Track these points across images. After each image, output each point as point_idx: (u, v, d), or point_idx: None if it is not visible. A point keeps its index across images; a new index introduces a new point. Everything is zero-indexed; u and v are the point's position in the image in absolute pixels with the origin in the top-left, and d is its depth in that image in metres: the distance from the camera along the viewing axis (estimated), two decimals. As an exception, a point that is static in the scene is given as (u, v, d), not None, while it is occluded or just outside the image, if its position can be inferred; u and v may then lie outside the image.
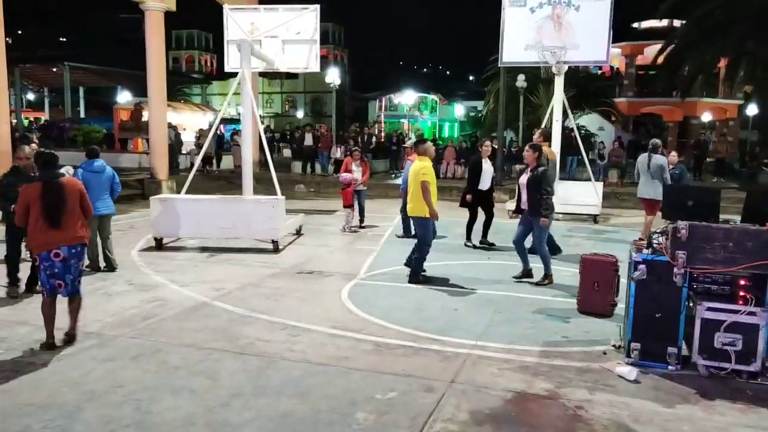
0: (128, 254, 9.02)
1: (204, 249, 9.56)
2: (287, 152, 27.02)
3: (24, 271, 6.92)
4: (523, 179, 7.70)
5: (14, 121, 24.79)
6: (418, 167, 7.48)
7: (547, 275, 7.61)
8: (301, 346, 5.38)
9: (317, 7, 10.62)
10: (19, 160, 6.81)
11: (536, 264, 7.71)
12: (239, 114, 26.43)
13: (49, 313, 5.26)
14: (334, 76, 28.36)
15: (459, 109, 44.57)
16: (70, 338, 5.37)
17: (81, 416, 4.02)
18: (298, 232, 11.00)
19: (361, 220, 11.95)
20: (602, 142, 23.40)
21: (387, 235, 11.16)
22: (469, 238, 10.08)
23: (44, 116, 37.11)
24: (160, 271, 8.14)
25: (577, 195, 13.72)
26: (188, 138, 24.00)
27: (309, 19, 10.70)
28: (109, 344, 5.36)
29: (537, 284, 7.56)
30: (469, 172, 10.35)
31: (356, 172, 11.52)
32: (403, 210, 10.88)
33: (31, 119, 36.28)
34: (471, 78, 52.11)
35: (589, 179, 14.87)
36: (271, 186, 10.35)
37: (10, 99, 13.98)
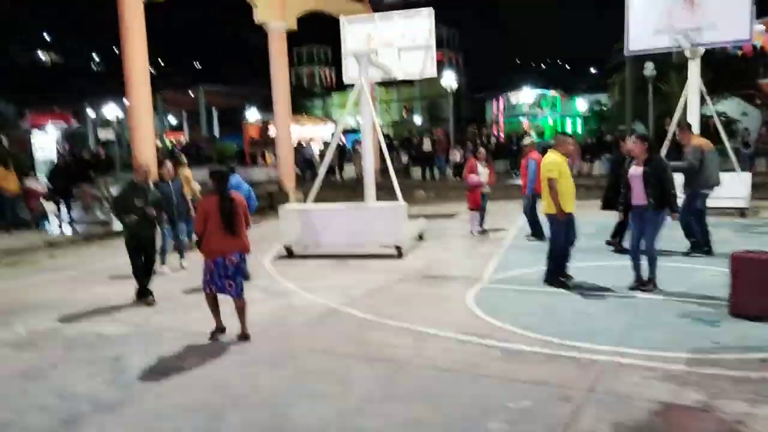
0: (261, 263, 9.48)
1: (331, 256, 9.83)
2: (405, 158, 27.32)
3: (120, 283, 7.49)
4: (634, 172, 6.95)
5: (158, 142, 27.05)
6: (546, 162, 7.16)
7: (651, 280, 6.90)
8: (429, 352, 5.34)
9: (431, 10, 10.58)
10: (162, 175, 8.06)
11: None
12: (359, 124, 27.12)
13: (213, 305, 5.93)
14: (449, 80, 28.25)
15: (581, 104, 42.74)
16: (244, 337, 5.86)
17: (225, 419, 4.25)
18: (421, 237, 11.02)
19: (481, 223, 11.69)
20: (747, 128, 21.38)
21: (511, 238, 10.88)
22: (615, 238, 9.27)
23: (183, 137, 40.27)
24: (292, 278, 8.47)
25: (721, 187, 12.57)
26: (312, 150, 25.00)
27: (423, 23, 10.68)
28: (248, 350, 5.63)
29: (640, 289, 6.89)
30: (615, 174, 9.08)
31: (482, 174, 11.25)
32: (527, 210, 10.60)
33: (173, 140, 39.49)
34: (593, 70, 49.84)
35: (733, 170, 13.60)
36: (393, 192, 10.45)
37: (155, 123, 15.32)
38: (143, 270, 7.44)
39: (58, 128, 31.44)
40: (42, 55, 52.45)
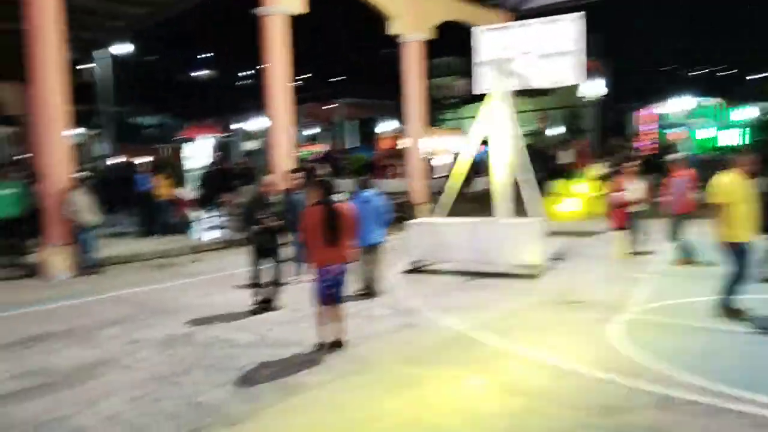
0: (388, 277, 9.31)
1: (460, 273, 9.45)
2: (540, 172, 26.22)
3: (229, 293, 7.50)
4: None
5: (296, 154, 28.16)
6: (718, 183, 6.34)
7: None
8: (566, 390, 4.80)
9: (581, 14, 9.88)
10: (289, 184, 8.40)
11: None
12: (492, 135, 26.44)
13: (323, 320, 5.96)
14: (595, 88, 26.71)
15: (746, 113, 38.65)
16: (338, 344, 5.93)
17: (344, 447, 4.04)
18: (558, 258, 10.31)
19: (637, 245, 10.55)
20: None
21: (659, 262, 9.85)
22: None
23: (320, 148, 41.79)
24: (418, 295, 8.21)
25: None
26: (443, 162, 24.77)
27: (569, 28, 10.02)
28: (369, 370, 5.42)
29: None
30: None
31: (633, 190, 10.20)
32: (672, 234, 9.56)
33: (310, 152, 41.12)
34: (759, 76, 45.09)
35: None
36: (528, 208, 9.88)
37: (293, 134, 15.91)
38: (264, 279, 7.53)
39: (209, 139, 33.87)
40: (199, 73, 57.09)
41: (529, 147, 12.32)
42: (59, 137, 10.89)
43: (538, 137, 50.84)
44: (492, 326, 6.60)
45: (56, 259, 10.47)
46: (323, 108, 37.32)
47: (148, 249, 12.62)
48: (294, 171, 10.26)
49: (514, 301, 7.76)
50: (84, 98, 34.97)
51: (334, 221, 5.81)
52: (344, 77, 56.17)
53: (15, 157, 25.63)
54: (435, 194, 20.32)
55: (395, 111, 33.53)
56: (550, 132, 55.02)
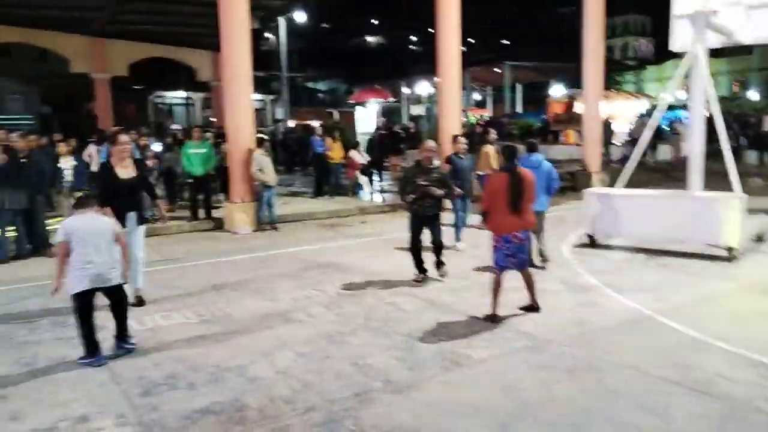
0: (559, 250, 8.76)
1: (640, 250, 8.61)
2: (739, 140, 23.29)
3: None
4: None
5: (463, 118, 27.80)
6: None
7: None
8: (780, 395, 4.10)
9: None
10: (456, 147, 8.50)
11: None
12: (679, 100, 23.94)
13: (497, 288, 5.79)
14: (806, 45, 23.04)
15: None
16: (533, 308, 5.94)
17: (513, 429, 3.77)
18: (761, 239, 9.01)
19: None
20: None
21: None
22: None
23: (487, 113, 40.89)
24: (594, 271, 7.59)
25: None
26: (621, 128, 22.94)
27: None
28: (541, 349, 5.07)
29: None
30: None
31: None
32: None
33: (477, 116, 40.41)
34: None
35: None
36: (717, 180, 8.72)
37: (461, 99, 15.59)
38: (421, 249, 7.27)
39: (377, 104, 34.56)
40: (369, 39, 58.48)
41: (726, 113, 10.87)
42: (245, 101, 11.58)
43: (733, 102, 45.40)
44: (681, 312, 5.88)
45: (240, 215, 11.25)
46: (490, 72, 36.24)
47: (320, 209, 13.15)
48: (460, 136, 9.97)
49: (707, 285, 6.88)
50: (265, 65, 37.48)
51: (518, 187, 5.71)
52: (511, 41, 54.22)
53: (208, 120, 28.09)
54: (611, 162, 18.91)
55: (566, 74, 31.65)
56: (747, 96, 48.87)
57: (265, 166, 11.21)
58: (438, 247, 7.34)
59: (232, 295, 6.95)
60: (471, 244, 8.91)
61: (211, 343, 5.38)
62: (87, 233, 4.85)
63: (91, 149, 12.53)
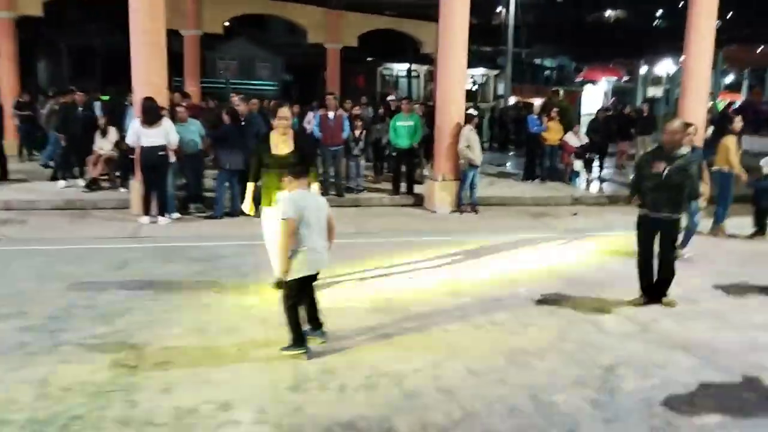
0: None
1: None
2: None
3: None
4: None
5: (710, 103, 24.18)
6: None
7: None
8: None
9: None
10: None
11: None
12: None
13: None
14: None
15: None
16: None
17: None
18: None
19: None
20: None
21: None
22: None
23: (739, 98, 35.32)
24: None
25: None
26: None
27: None
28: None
29: None
30: None
31: None
32: None
33: (723, 101, 35.08)
34: None
35: None
36: None
37: (711, 81, 13.16)
38: (652, 263, 5.76)
39: (607, 83, 31.70)
40: (608, 12, 54.03)
41: None
42: (459, 74, 10.88)
43: None
44: None
45: (440, 193, 10.71)
46: (748, 51, 30.94)
47: (528, 194, 12.09)
48: (690, 124, 8.13)
49: None
50: (492, 39, 36.45)
51: None
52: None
53: (430, 92, 28.04)
54: None
55: None
56: None
57: (473, 144, 10.47)
58: (666, 268, 5.75)
59: (412, 279, 6.40)
60: (702, 255, 7.29)
61: (375, 337, 4.87)
62: (312, 210, 4.35)
63: (310, 116, 12.90)
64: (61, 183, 11.22)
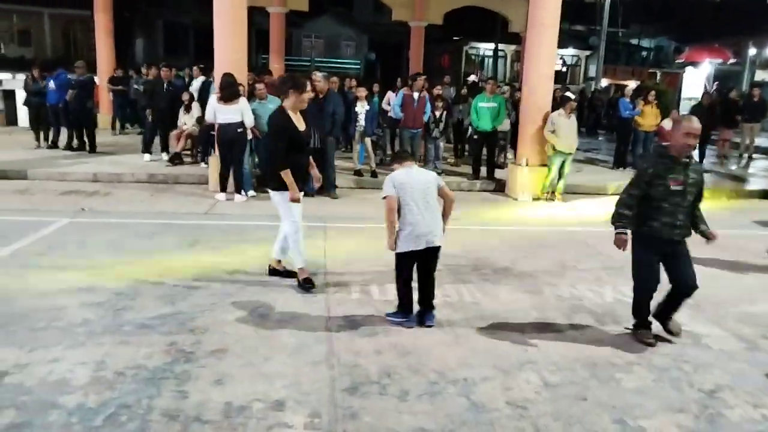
0: None
1: None
2: None
3: None
4: None
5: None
6: None
7: None
8: None
9: None
10: None
11: None
12: None
13: None
14: None
15: None
16: None
17: None
18: None
19: None
20: None
21: None
22: None
23: None
24: None
25: None
26: None
27: None
28: None
29: None
30: None
31: None
32: None
33: None
34: None
35: None
36: None
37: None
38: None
39: (711, 65, 29.43)
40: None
41: None
42: (548, 53, 10.17)
43: None
44: None
45: (522, 179, 10.14)
46: None
47: (616, 183, 11.26)
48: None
49: None
50: (586, 18, 34.59)
51: None
52: None
53: (516, 73, 27.13)
54: None
55: None
56: None
57: (561, 128, 9.78)
58: (686, 292, 4.50)
59: (486, 276, 5.98)
60: None
61: (446, 336, 4.51)
62: (415, 189, 4.49)
63: (390, 95, 12.55)
64: (147, 157, 11.49)
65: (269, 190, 5.37)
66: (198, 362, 3.95)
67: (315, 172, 5.64)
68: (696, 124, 4.31)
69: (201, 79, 12.34)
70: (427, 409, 3.50)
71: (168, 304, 4.87)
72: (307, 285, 5.32)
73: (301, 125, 5.27)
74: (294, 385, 3.70)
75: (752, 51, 32.41)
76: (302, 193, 5.34)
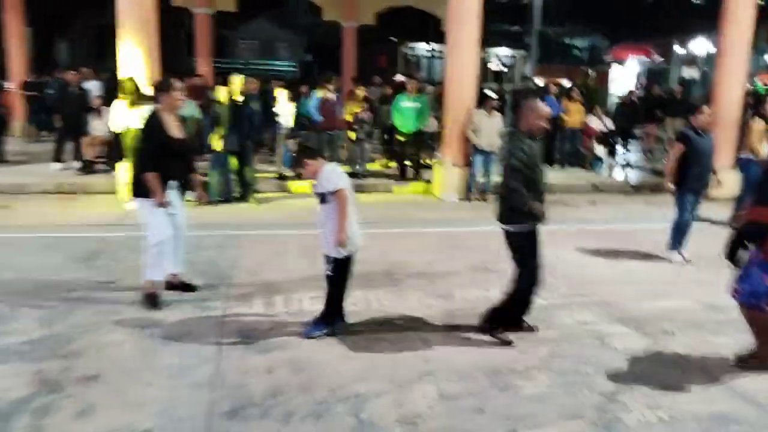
0: None
1: None
2: None
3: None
4: None
5: (748, 85, 22.85)
6: None
7: None
8: None
9: None
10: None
11: None
12: None
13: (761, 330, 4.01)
14: None
15: None
16: None
17: None
18: None
19: None
20: None
21: None
22: None
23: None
24: None
25: None
26: None
27: None
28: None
29: None
30: None
31: None
32: None
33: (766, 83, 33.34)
34: None
35: None
36: None
37: (750, 60, 12.03)
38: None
39: (638, 63, 30.32)
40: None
41: None
42: (469, 52, 10.07)
43: None
44: None
45: (447, 180, 10.03)
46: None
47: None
48: (704, 105, 7.18)
49: None
50: (520, 18, 35.13)
51: None
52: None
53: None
54: None
55: None
56: None
57: (483, 127, 9.71)
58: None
59: (397, 279, 5.78)
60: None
61: (345, 349, 4.26)
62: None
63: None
64: (56, 165, 10.85)
65: (132, 197, 4.97)
66: (64, 392, 3.58)
67: (197, 177, 5.32)
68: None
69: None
70: (309, 431, 3.25)
71: (44, 326, 4.46)
72: (149, 302, 4.89)
73: (173, 130, 4.92)
74: (166, 412, 3.38)
75: (680, 50, 33.54)
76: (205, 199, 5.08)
